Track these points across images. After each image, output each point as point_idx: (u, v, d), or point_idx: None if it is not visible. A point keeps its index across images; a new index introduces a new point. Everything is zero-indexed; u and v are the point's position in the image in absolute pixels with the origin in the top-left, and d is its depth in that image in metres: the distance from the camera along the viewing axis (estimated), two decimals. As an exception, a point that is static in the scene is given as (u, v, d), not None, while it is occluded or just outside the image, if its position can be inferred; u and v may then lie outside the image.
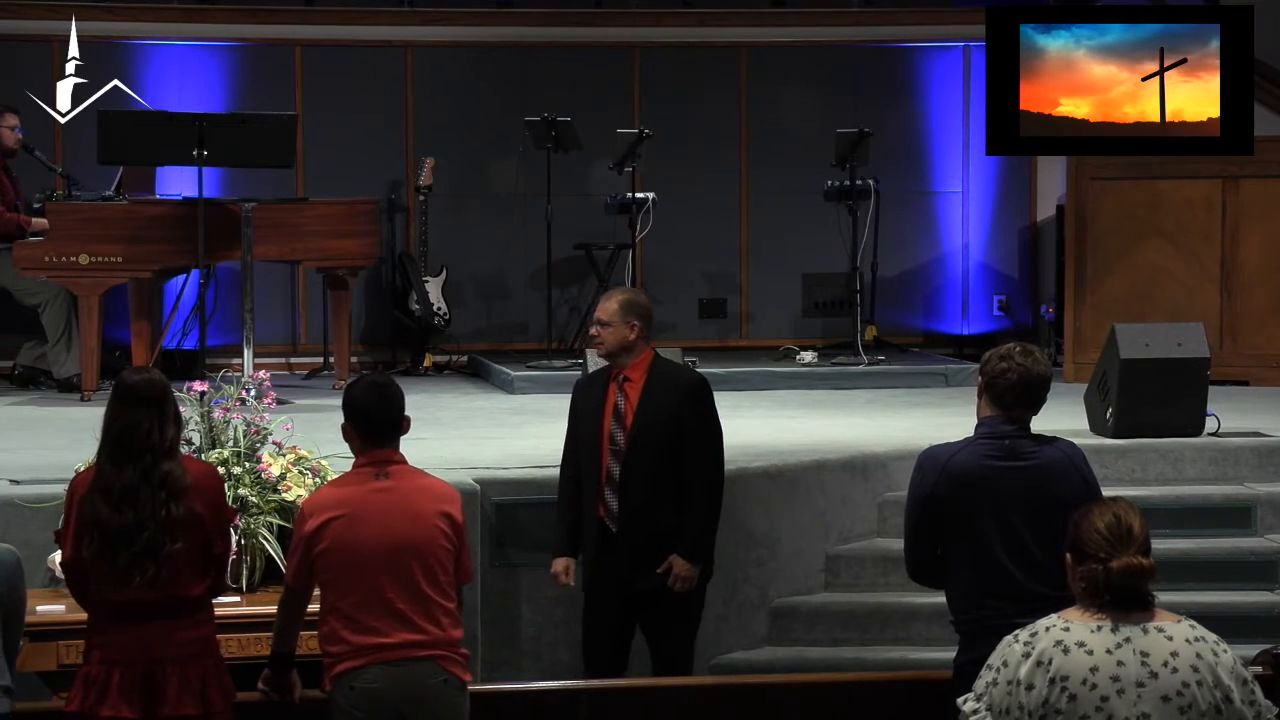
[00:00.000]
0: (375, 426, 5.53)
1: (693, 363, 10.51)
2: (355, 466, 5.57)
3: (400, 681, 5.35)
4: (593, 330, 6.78)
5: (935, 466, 5.52)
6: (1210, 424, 8.82)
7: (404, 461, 5.56)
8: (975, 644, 5.29)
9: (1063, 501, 5.33)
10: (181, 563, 5.27)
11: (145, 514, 5.22)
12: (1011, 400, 5.52)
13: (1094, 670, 4.27)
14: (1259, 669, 5.64)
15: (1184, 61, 10.32)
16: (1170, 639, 4.32)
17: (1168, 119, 10.34)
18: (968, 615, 5.53)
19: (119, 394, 5.35)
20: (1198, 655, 4.30)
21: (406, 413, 5.60)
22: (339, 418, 5.61)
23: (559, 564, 6.79)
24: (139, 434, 5.26)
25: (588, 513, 6.71)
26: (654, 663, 6.76)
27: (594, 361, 7.74)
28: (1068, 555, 4.44)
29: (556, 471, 6.87)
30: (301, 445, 6.93)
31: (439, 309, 11.95)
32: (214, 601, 5.56)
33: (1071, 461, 5.56)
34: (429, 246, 11.91)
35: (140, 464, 5.25)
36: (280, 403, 7.56)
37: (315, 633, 5.54)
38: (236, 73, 12.23)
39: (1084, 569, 4.37)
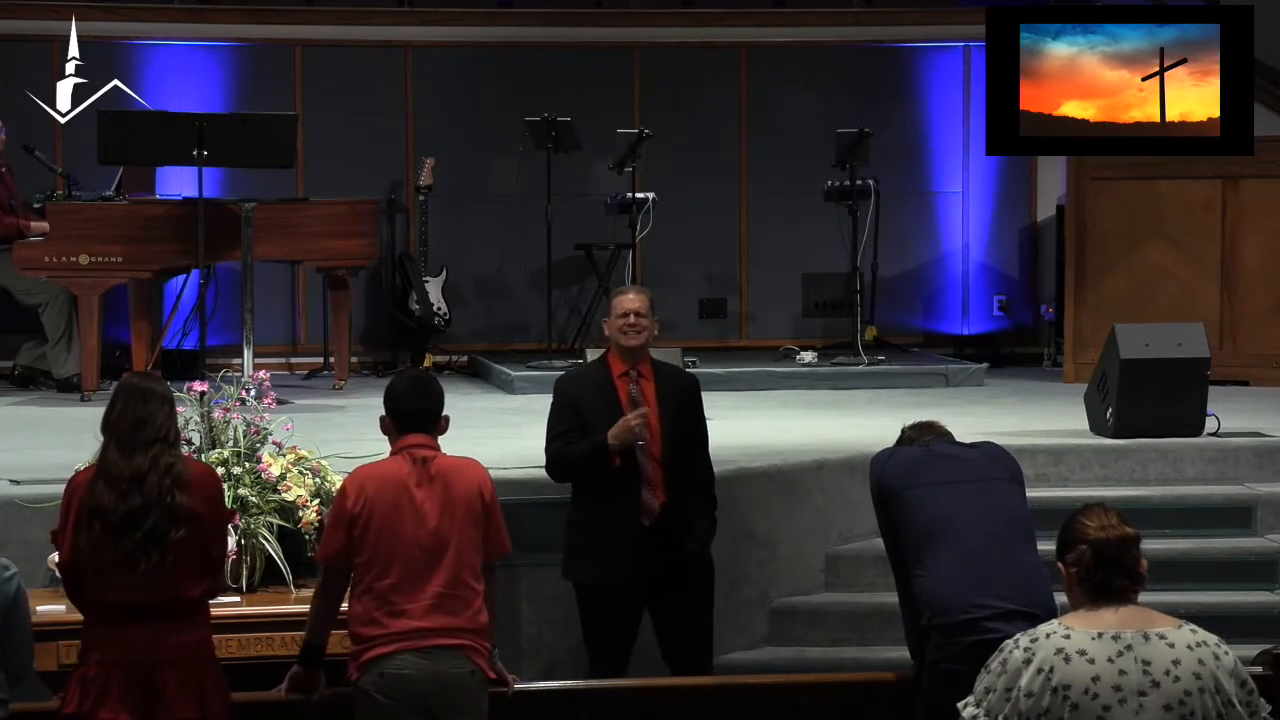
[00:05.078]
0: (408, 413, 5.62)
1: (692, 363, 10.52)
2: (393, 453, 5.64)
3: (430, 670, 5.40)
4: (630, 321, 6.71)
5: (880, 459, 6.02)
6: (1210, 424, 8.81)
7: (439, 449, 5.65)
8: (948, 635, 5.59)
9: (1004, 478, 5.86)
10: (181, 560, 5.27)
11: (152, 499, 5.25)
12: (915, 434, 6.09)
13: (1095, 679, 4.27)
14: (1259, 669, 5.64)
15: (1184, 61, 10.31)
16: (1172, 646, 4.31)
17: (1173, 122, 10.32)
18: (939, 600, 5.66)
19: (130, 390, 5.40)
20: (1200, 662, 4.30)
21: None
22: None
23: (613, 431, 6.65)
24: (152, 425, 5.32)
25: (603, 509, 6.68)
26: (672, 644, 6.73)
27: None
28: (1059, 564, 4.47)
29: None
30: (301, 445, 6.94)
31: (439, 309, 11.94)
32: (214, 602, 5.56)
33: (1002, 449, 6.05)
34: (429, 246, 11.91)
35: (150, 452, 5.29)
36: (280, 403, 7.55)
37: (343, 631, 5.55)
38: (236, 73, 12.23)
39: (1073, 555, 4.40)
